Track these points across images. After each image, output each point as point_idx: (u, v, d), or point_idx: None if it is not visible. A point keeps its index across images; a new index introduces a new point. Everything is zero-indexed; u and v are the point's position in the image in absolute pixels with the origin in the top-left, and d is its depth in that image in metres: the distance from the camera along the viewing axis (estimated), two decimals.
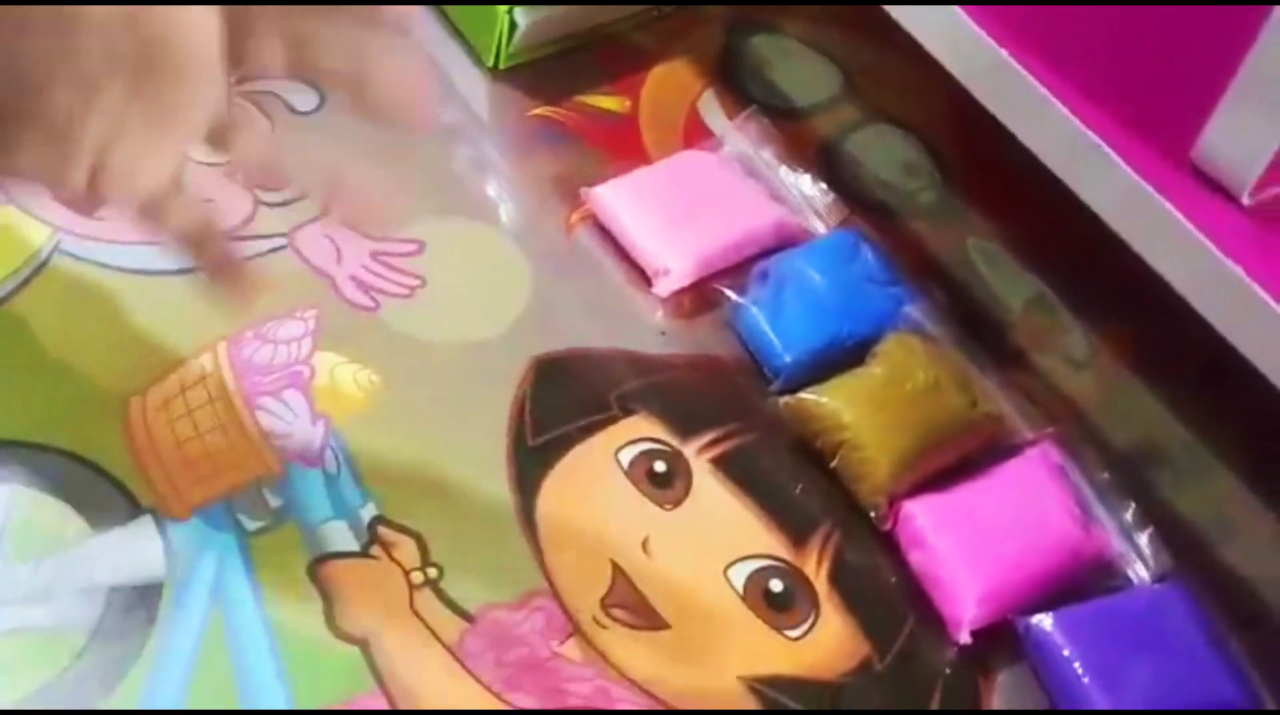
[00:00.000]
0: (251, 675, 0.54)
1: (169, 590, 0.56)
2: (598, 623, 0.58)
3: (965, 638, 0.59)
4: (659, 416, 0.63)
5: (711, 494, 0.62)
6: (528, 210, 0.71)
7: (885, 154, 0.75)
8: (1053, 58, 0.58)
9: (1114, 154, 0.56)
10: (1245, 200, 0.55)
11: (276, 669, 0.54)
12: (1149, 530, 0.61)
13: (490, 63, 0.74)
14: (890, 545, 0.61)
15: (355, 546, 0.58)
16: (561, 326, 0.66)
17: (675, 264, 0.67)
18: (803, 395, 0.63)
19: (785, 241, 0.69)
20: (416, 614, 0.57)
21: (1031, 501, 0.61)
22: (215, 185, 0.60)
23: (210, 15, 0.48)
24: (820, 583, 0.60)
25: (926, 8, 0.61)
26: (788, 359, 0.64)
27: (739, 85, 0.76)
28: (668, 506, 0.61)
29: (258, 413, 0.61)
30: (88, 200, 0.50)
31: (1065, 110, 0.57)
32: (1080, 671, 0.57)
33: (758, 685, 0.57)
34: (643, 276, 0.68)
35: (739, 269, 0.68)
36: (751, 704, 0.57)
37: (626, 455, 0.62)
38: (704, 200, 0.69)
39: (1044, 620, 0.58)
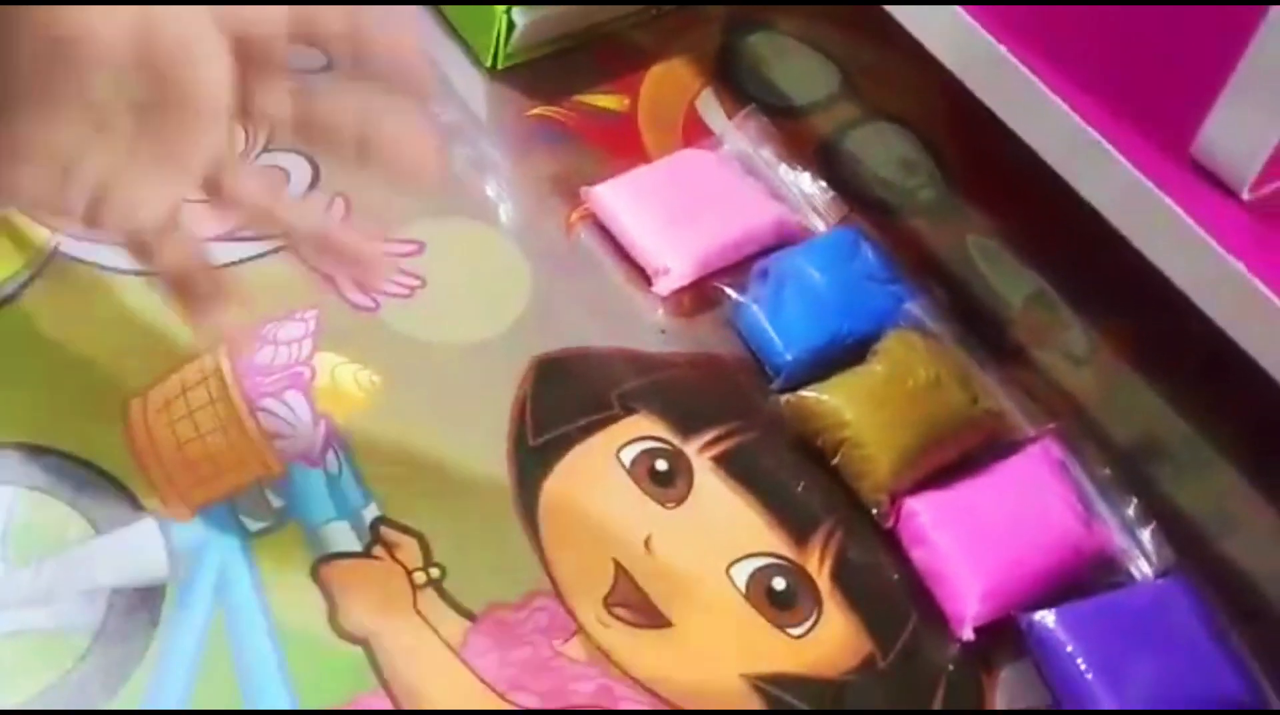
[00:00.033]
0: (254, 675, 0.54)
1: (171, 591, 0.56)
2: (600, 622, 0.58)
3: (968, 634, 0.59)
4: (660, 415, 0.63)
5: (713, 492, 0.62)
6: (527, 210, 0.71)
7: (884, 151, 0.75)
8: (1052, 53, 0.58)
9: (1113, 150, 0.56)
10: (1245, 196, 0.55)
11: (279, 669, 0.54)
12: (1151, 526, 0.62)
13: (488, 62, 0.74)
14: (892, 542, 0.61)
15: (358, 547, 0.58)
16: (562, 326, 0.66)
17: (675, 263, 0.67)
18: (804, 393, 0.63)
19: (785, 240, 0.69)
20: (419, 614, 0.57)
21: (1033, 498, 0.61)
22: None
23: (222, 61, 0.50)
24: (823, 580, 0.60)
25: (925, 5, 0.61)
26: (788, 357, 0.64)
27: (737, 84, 0.76)
28: (669, 505, 0.61)
29: (259, 414, 0.61)
30: (84, 228, 0.51)
31: (1064, 106, 0.57)
32: (1083, 667, 0.57)
33: (761, 683, 0.57)
34: (643, 275, 0.68)
35: (739, 267, 0.68)
36: (754, 702, 0.57)
37: (628, 454, 0.62)
38: (703, 199, 0.69)
39: (1047, 616, 0.58)
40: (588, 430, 0.63)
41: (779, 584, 0.59)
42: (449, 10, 0.75)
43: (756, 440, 0.63)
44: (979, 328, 0.68)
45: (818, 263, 0.67)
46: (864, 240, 0.68)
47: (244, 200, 0.53)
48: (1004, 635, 0.59)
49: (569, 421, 0.63)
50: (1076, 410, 0.66)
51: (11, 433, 0.59)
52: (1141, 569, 0.61)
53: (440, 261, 0.67)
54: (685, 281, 0.68)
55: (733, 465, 0.62)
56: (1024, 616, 0.59)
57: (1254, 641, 0.59)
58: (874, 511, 0.61)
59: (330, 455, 0.60)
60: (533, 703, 0.55)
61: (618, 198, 0.69)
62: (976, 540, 0.60)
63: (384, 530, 0.58)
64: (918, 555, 0.60)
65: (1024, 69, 0.58)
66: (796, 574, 0.60)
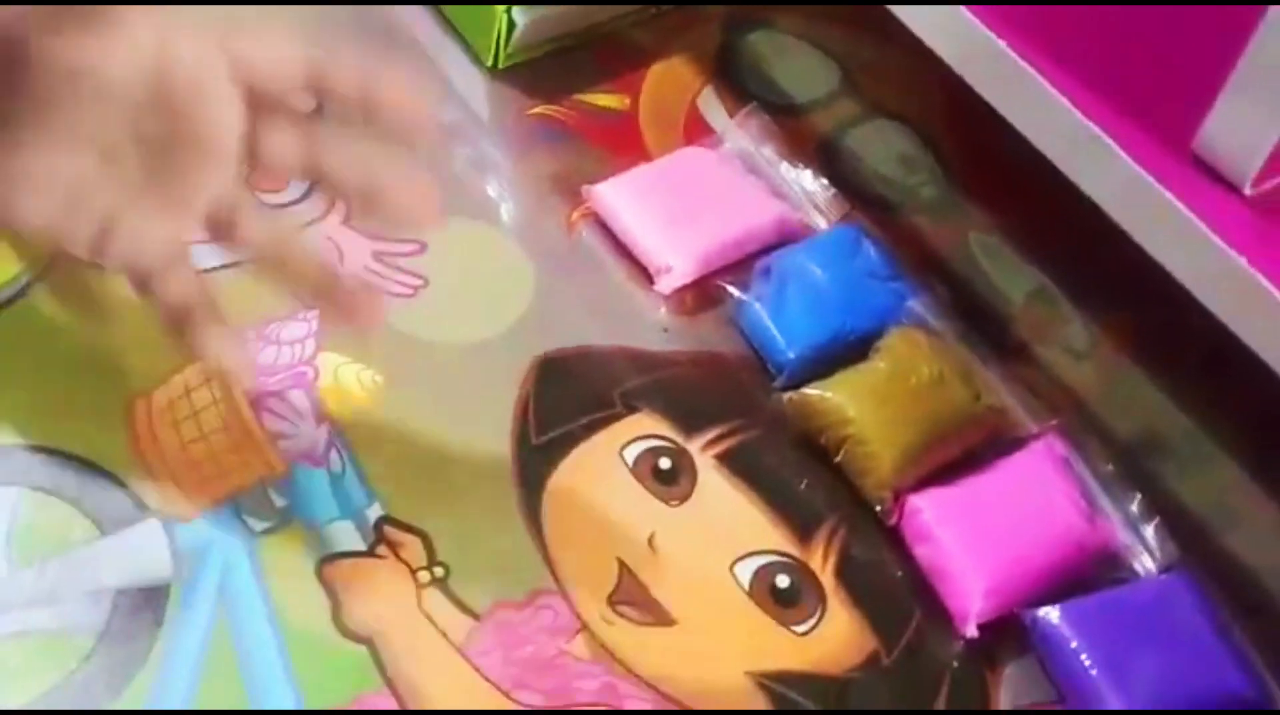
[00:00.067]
0: (259, 675, 0.54)
1: (176, 592, 0.56)
2: (605, 620, 0.58)
3: (972, 631, 0.59)
4: (663, 413, 0.63)
5: (717, 490, 0.62)
6: (528, 209, 0.71)
7: (885, 149, 0.75)
8: (1053, 49, 0.58)
9: (1115, 145, 0.56)
10: (1247, 191, 0.55)
11: (284, 669, 0.55)
12: (1154, 521, 0.62)
13: (489, 62, 0.74)
14: (896, 539, 0.61)
15: (361, 546, 0.58)
16: (564, 325, 0.66)
17: (677, 261, 0.67)
18: (806, 391, 0.63)
19: (787, 237, 0.69)
20: (423, 613, 0.57)
21: (1036, 494, 0.61)
22: None
23: (233, 105, 0.51)
24: (826, 578, 0.60)
25: (926, 4, 0.61)
26: (791, 355, 0.64)
27: (738, 82, 0.76)
28: (673, 503, 0.61)
29: (262, 414, 0.61)
30: (89, 261, 0.52)
31: (1065, 102, 0.57)
32: (1088, 663, 0.57)
33: (765, 681, 0.57)
34: (644, 274, 0.68)
35: (741, 265, 0.68)
36: (759, 700, 0.57)
37: (631, 452, 0.62)
38: (705, 197, 0.69)
39: (1050, 613, 0.58)
40: (590, 429, 0.63)
41: (783, 581, 0.59)
42: (449, 10, 0.75)
43: (759, 438, 0.63)
44: (981, 324, 0.68)
45: (819, 260, 0.67)
46: (865, 238, 0.68)
47: (250, 244, 0.54)
48: (1008, 632, 0.59)
49: (572, 420, 0.63)
50: (1079, 406, 0.66)
51: (15, 433, 0.59)
52: (1145, 565, 0.61)
53: (442, 261, 0.67)
54: (687, 280, 0.68)
55: (736, 463, 0.62)
56: (1028, 613, 0.59)
57: (1257, 636, 0.59)
58: (877, 509, 0.61)
59: (333, 455, 0.60)
60: (537, 701, 0.55)
61: (619, 196, 0.69)
62: (980, 537, 0.60)
63: (388, 529, 0.58)
64: (921, 552, 0.60)
65: (1025, 65, 0.58)
66: (800, 571, 0.60)
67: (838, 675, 0.58)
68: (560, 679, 0.56)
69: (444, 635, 0.56)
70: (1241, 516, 0.64)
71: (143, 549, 0.57)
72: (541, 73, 0.75)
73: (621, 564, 0.59)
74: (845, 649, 0.58)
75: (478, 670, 0.56)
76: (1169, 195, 0.55)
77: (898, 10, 0.63)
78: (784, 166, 0.72)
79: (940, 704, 0.58)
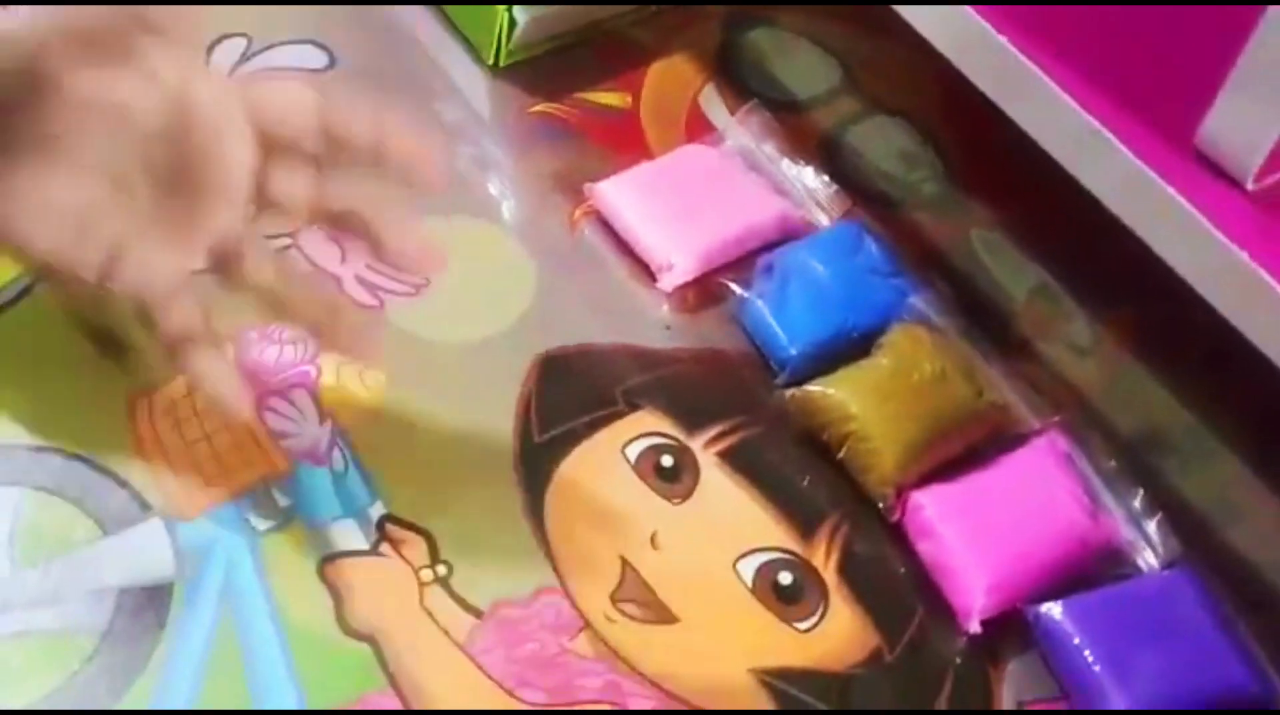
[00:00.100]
0: (262, 674, 0.54)
1: (179, 591, 0.56)
2: (607, 618, 0.58)
3: (975, 627, 0.59)
4: (665, 411, 0.63)
5: (719, 487, 0.62)
6: (530, 207, 0.71)
7: (886, 145, 0.75)
8: (1054, 45, 0.58)
9: (1116, 140, 0.56)
10: (1249, 186, 0.54)
11: (287, 668, 0.55)
12: (1157, 517, 0.62)
13: (490, 60, 0.74)
14: (898, 536, 0.61)
15: (364, 545, 0.58)
16: (566, 323, 0.66)
17: (679, 258, 0.67)
18: (809, 387, 0.63)
19: (788, 234, 0.69)
20: (426, 611, 0.57)
21: (1039, 490, 0.61)
22: None
23: (247, 147, 0.52)
24: (829, 574, 0.60)
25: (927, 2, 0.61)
26: (793, 352, 0.64)
27: (739, 79, 0.76)
28: (675, 501, 0.61)
29: (265, 413, 0.61)
30: (95, 287, 0.54)
31: (1067, 97, 0.57)
32: (1091, 659, 0.57)
33: (768, 678, 0.57)
34: (647, 272, 0.68)
35: (743, 263, 0.68)
36: (762, 697, 0.57)
37: (633, 450, 0.62)
38: (707, 194, 0.69)
39: (1053, 609, 0.58)
40: (593, 427, 0.63)
41: (785, 578, 0.59)
42: (450, 9, 0.75)
43: (761, 435, 0.63)
44: (983, 321, 0.68)
45: (821, 257, 0.67)
46: (867, 234, 0.68)
47: (253, 280, 0.55)
48: (1011, 628, 0.59)
49: (574, 418, 0.63)
50: (1081, 402, 0.66)
51: (17, 434, 0.59)
52: (1148, 560, 0.61)
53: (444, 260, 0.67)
54: (689, 277, 0.68)
55: (738, 460, 0.62)
56: (1031, 609, 0.59)
57: (1261, 631, 0.59)
58: (880, 505, 0.61)
59: (336, 453, 0.60)
60: (540, 699, 0.55)
61: (621, 194, 0.69)
62: (983, 533, 0.60)
63: (390, 528, 0.59)
64: (924, 548, 0.60)
65: (1026, 60, 0.58)
66: (803, 568, 0.60)
67: (840, 672, 0.58)
68: (563, 677, 0.56)
69: (446, 633, 0.56)
70: (1244, 512, 0.64)
71: (145, 548, 0.57)
72: (542, 71, 0.75)
73: (624, 561, 0.59)
74: (848, 646, 0.58)
75: (480, 668, 0.56)
76: (1171, 190, 0.55)
77: (899, 6, 0.63)
78: (785, 163, 0.72)
79: (943, 700, 0.58)
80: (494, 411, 0.63)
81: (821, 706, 0.57)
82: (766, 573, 0.59)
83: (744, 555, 0.60)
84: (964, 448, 0.62)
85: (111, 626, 0.55)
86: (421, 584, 0.57)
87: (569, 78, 0.74)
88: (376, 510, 0.59)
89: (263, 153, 0.53)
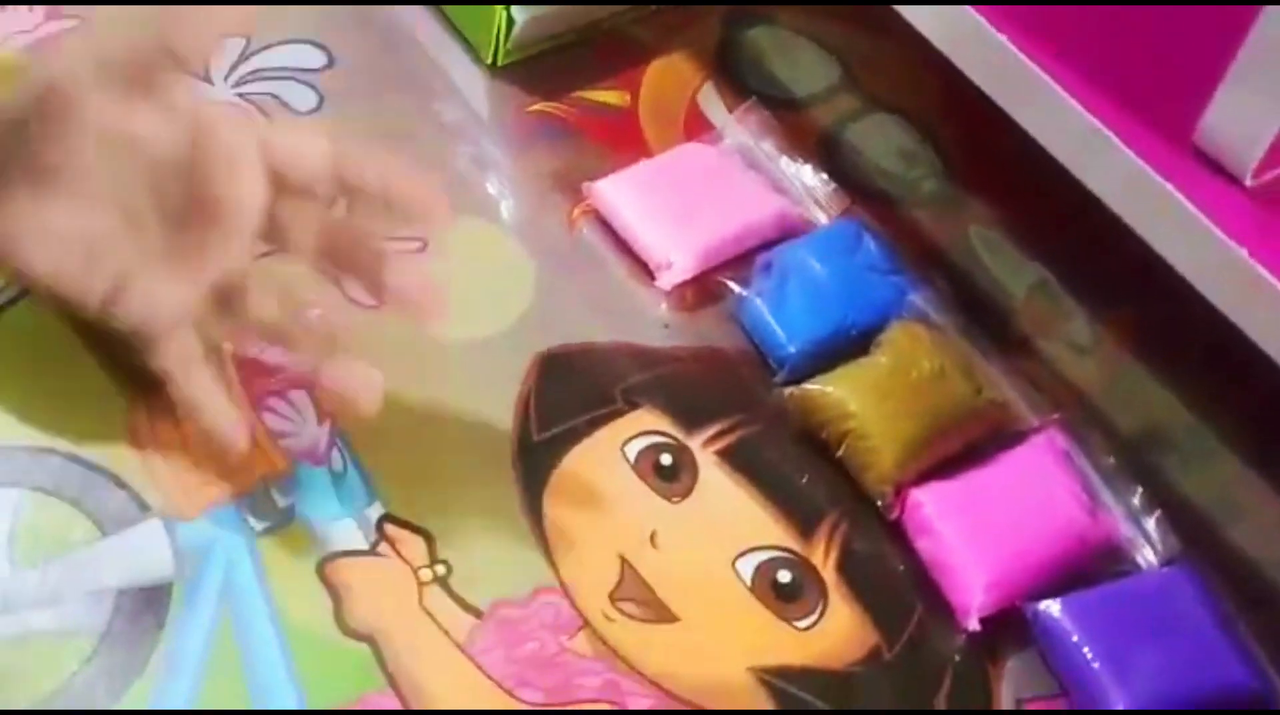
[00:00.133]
0: (262, 675, 0.54)
1: (178, 591, 0.56)
2: (607, 617, 0.58)
3: (974, 625, 0.59)
4: (664, 410, 0.63)
5: (718, 486, 0.62)
6: (529, 206, 0.71)
7: (885, 143, 0.75)
8: (1053, 42, 0.58)
9: (1115, 138, 0.56)
10: (1248, 182, 0.54)
11: (286, 668, 0.55)
12: (1156, 514, 0.61)
13: (489, 60, 0.74)
14: (897, 533, 0.61)
15: (363, 545, 0.58)
16: (565, 321, 0.66)
17: (678, 257, 0.67)
18: (808, 386, 0.63)
19: (787, 232, 0.69)
20: (425, 611, 0.57)
21: (1038, 488, 0.61)
22: None
23: (258, 186, 0.53)
24: (828, 572, 0.60)
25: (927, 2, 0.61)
26: (792, 350, 0.64)
27: (738, 77, 0.76)
28: (674, 499, 0.61)
29: (263, 413, 0.61)
30: (97, 315, 0.55)
31: (1066, 94, 0.57)
32: (1090, 657, 0.57)
33: (767, 677, 0.57)
34: (645, 270, 0.68)
35: (741, 261, 0.68)
36: (761, 696, 0.57)
37: (632, 449, 0.62)
38: (705, 193, 0.69)
39: (1052, 606, 0.58)
40: (592, 425, 0.63)
41: (784, 577, 0.59)
42: (449, 8, 0.75)
43: (760, 433, 0.63)
44: (982, 318, 0.68)
45: (820, 255, 0.67)
46: (866, 232, 0.68)
47: (255, 317, 0.56)
48: (1010, 625, 0.59)
49: (573, 417, 0.63)
50: (1080, 400, 0.66)
51: (16, 434, 0.59)
52: (1147, 557, 0.61)
53: (443, 259, 0.67)
54: (688, 276, 0.68)
55: (737, 459, 0.62)
56: (1030, 606, 0.59)
57: (1260, 629, 0.59)
58: (879, 503, 0.61)
59: (335, 453, 0.60)
60: (539, 698, 0.55)
61: (620, 193, 0.69)
62: (981, 530, 0.60)
63: (389, 528, 0.59)
64: (923, 546, 0.60)
65: (1024, 58, 0.58)
66: (802, 566, 0.60)
67: (839, 670, 0.58)
68: (562, 676, 0.56)
69: (446, 633, 0.56)
70: (1244, 510, 0.64)
71: (144, 549, 0.57)
72: (541, 70, 0.74)
73: (623, 560, 0.59)
74: (847, 644, 0.58)
75: (480, 668, 0.56)
76: (1170, 187, 0.55)
77: (898, 5, 0.63)
78: (784, 161, 0.72)
79: (942, 698, 0.58)
80: (493, 410, 0.63)
81: (821, 705, 0.57)
82: (765, 571, 0.59)
83: (743, 554, 0.60)
84: (963, 445, 0.62)
85: (110, 627, 0.55)
86: (420, 584, 0.57)
87: (567, 77, 0.74)
88: (375, 510, 0.59)
89: (274, 191, 0.54)
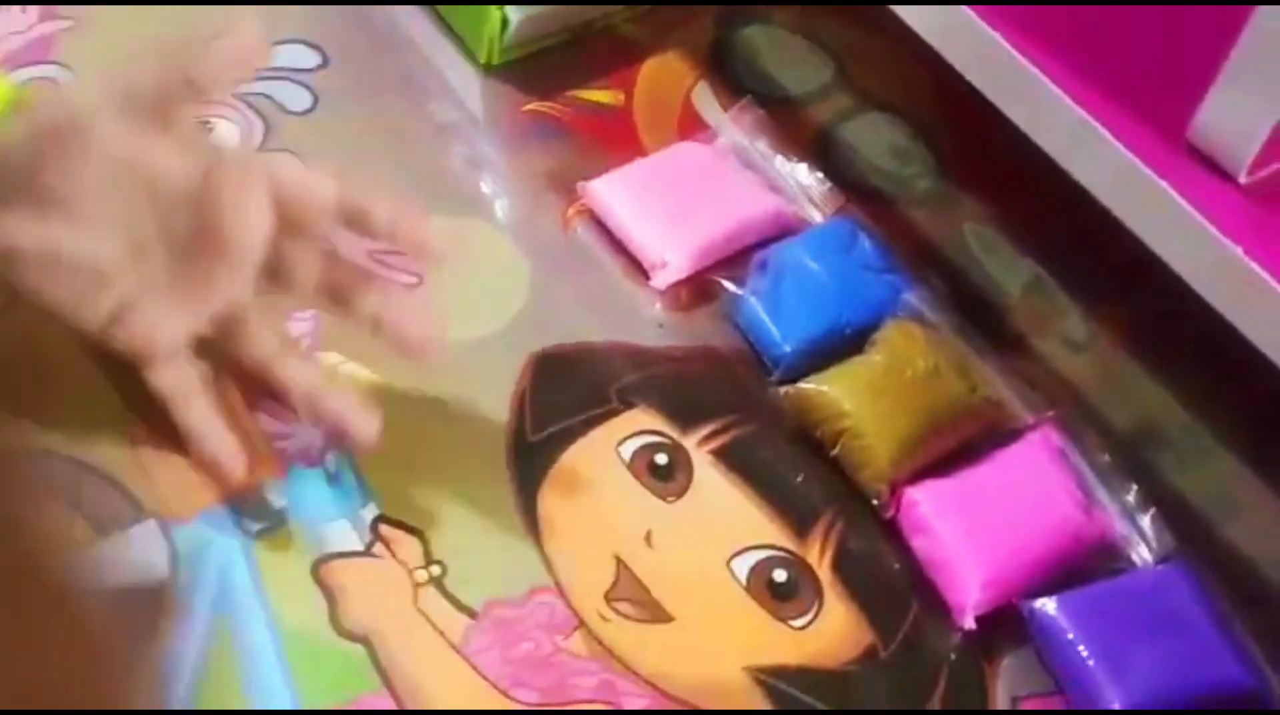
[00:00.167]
0: (257, 675, 0.54)
1: (173, 593, 0.56)
2: (602, 617, 0.58)
3: (969, 623, 0.59)
4: (659, 409, 0.63)
5: (713, 485, 0.62)
6: (524, 206, 0.70)
7: (880, 141, 0.75)
8: (1046, 39, 0.58)
9: (1109, 135, 0.56)
10: (1242, 179, 0.54)
11: (282, 669, 0.55)
12: (1151, 512, 0.61)
13: (483, 59, 0.74)
14: (893, 532, 0.61)
15: (358, 546, 0.58)
16: (560, 321, 0.66)
17: (673, 256, 0.67)
18: (803, 385, 0.63)
19: (782, 231, 0.69)
20: (420, 612, 0.57)
21: (1033, 485, 0.61)
22: None
23: (265, 220, 0.54)
24: (824, 571, 0.60)
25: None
26: (787, 349, 0.64)
27: (732, 76, 0.76)
28: (670, 499, 0.61)
29: (259, 414, 0.60)
30: (97, 338, 0.56)
31: (1059, 92, 0.57)
32: (1085, 654, 0.57)
33: (763, 676, 0.57)
34: (640, 270, 0.68)
35: (736, 260, 0.68)
36: (757, 695, 0.57)
37: (627, 449, 0.62)
38: (700, 192, 0.69)
39: (1048, 604, 0.58)
40: (587, 425, 0.63)
41: (780, 576, 0.59)
42: (443, 8, 0.75)
43: (756, 433, 0.63)
44: (977, 316, 0.68)
45: (815, 254, 0.67)
46: (861, 230, 0.68)
47: (248, 352, 0.58)
48: (1005, 623, 0.59)
49: (568, 417, 0.63)
50: (1076, 397, 0.66)
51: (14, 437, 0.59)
52: (1142, 555, 0.61)
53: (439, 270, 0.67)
54: (683, 275, 0.67)
55: (732, 458, 0.62)
56: (1025, 604, 0.59)
57: (1255, 626, 0.59)
58: (874, 501, 0.61)
59: (330, 455, 0.60)
60: (534, 699, 0.55)
61: (614, 192, 0.69)
62: (977, 529, 0.60)
63: (384, 528, 0.58)
64: (918, 544, 0.60)
65: (1018, 55, 0.58)
66: (797, 565, 0.60)
67: (835, 669, 0.58)
68: (557, 676, 0.56)
69: (441, 634, 0.56)
70: (1240, 507, 0.64)
71: (141, 551, 0.57)
72: (535, 69, 0.74)
73: (619, 560, 0.59)
74: (843, 642, 0.58)
75: (475, 669, 0.56)
76: (1164, 184, 0.55)
77: (892, 3, 0.63)
78: (779, 160, 0.72)
79: (938, 696, 0.58)
80: (488, 411, 0.62)
81: (817, 704, 0.57)
82: (761, 570, 0.59)
83: (738, 553, 0.60)
84: (958, 443, 0.62)
85: None
86: (415, 584, 0.57)
87: (562, 76, 0.74)
88: (370, 511, 0.59)
89: (280, 228, 0.55)
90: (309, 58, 0.73)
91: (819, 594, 0.59)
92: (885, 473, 0.61)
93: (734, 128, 0.72)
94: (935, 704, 0.58)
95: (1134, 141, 0.56)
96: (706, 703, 0.56)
